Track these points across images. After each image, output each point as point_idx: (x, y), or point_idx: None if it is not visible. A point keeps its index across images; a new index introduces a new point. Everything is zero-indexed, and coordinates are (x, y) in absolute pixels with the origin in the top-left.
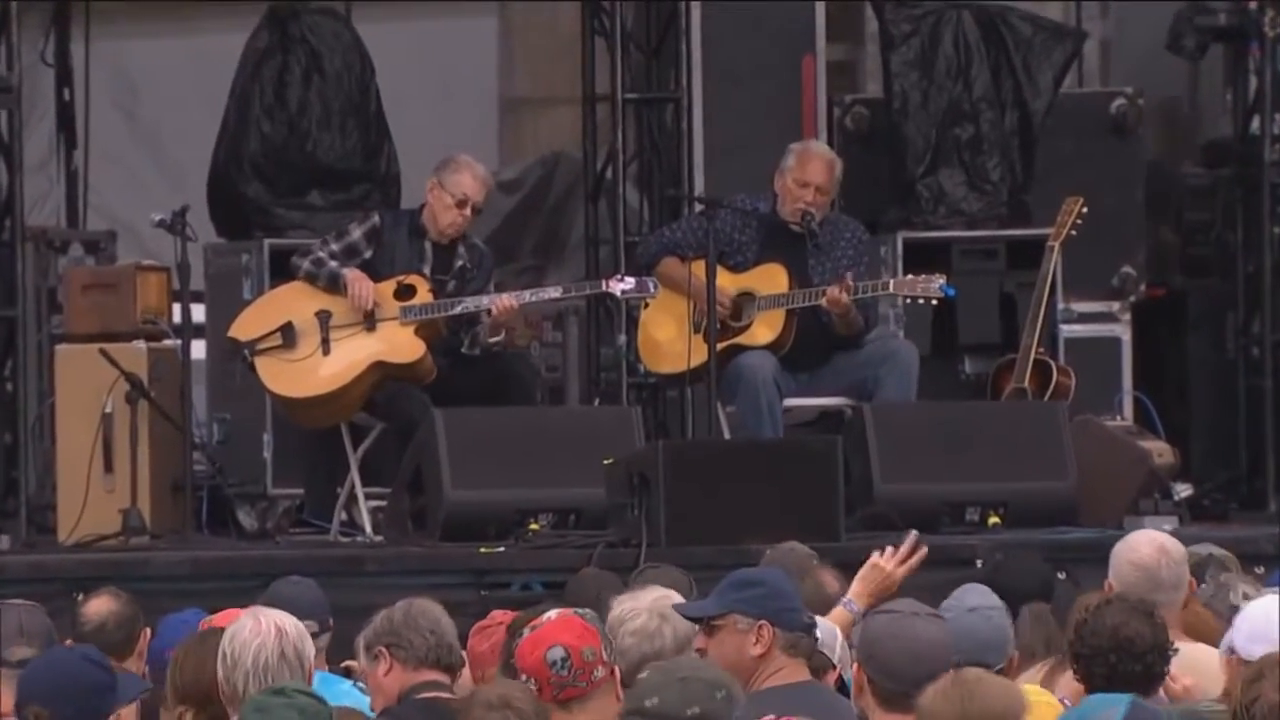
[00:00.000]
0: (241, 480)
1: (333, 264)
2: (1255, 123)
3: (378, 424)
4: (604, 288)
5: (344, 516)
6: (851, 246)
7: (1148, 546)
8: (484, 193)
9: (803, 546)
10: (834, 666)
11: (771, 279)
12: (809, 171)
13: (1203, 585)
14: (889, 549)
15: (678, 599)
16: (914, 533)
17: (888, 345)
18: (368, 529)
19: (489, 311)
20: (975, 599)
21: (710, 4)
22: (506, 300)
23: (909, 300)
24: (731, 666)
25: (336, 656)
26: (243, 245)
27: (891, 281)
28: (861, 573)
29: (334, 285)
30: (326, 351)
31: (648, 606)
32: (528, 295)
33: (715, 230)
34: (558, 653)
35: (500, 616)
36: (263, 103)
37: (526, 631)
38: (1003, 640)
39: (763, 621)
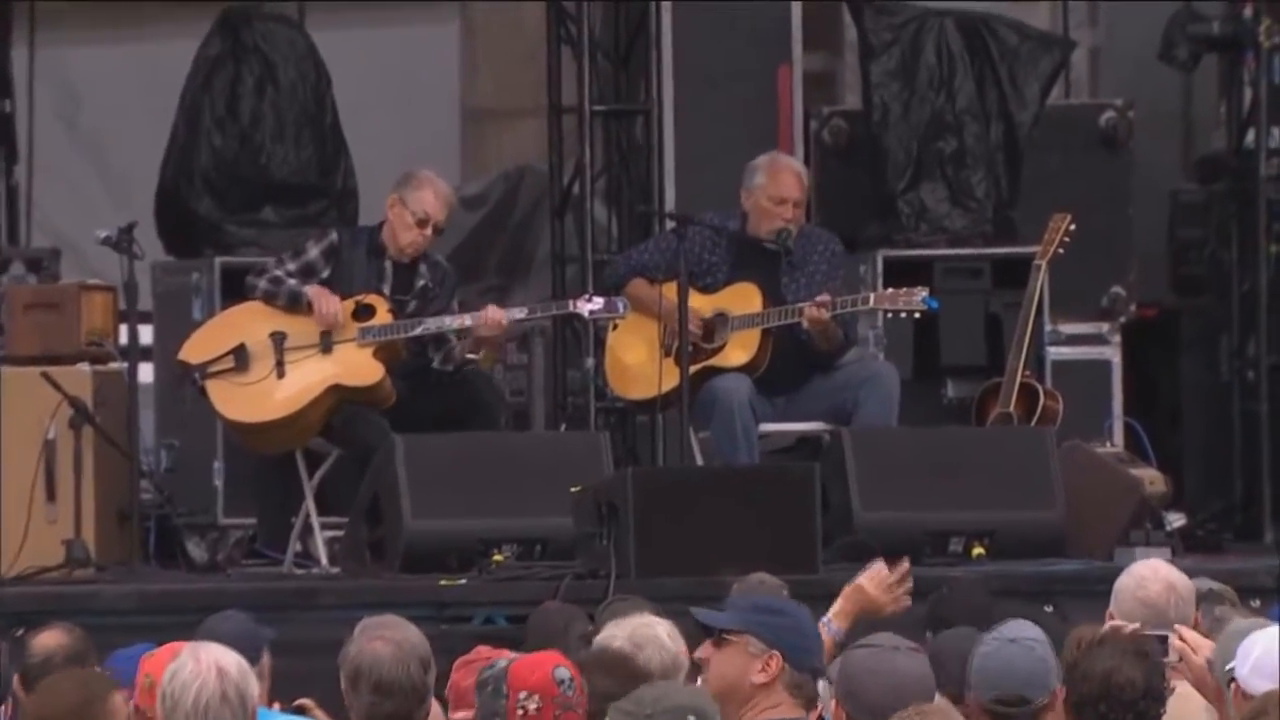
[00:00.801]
0: (191, 510)
1: (291, 282)
2: (1250, 135)
3: (334, 450)
4: (571, 308)
5: (299, 547)
6: (825, 260)
7: (1156, 584)
8: (446, 211)
9: (773, 578)
10: (817, 704)
11: (745, 299)
12: (783, 187)
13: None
14: (879, 567)
15: (662, 626)
16: (906, 561)
17: (868, 367)
18: (323, 560)
19: (457, 334)
20: (1017, 630)
21: (681, 12)
22: (494, 314)
23: (890, 315)
24: (729, 687)
25: (291, 693)
26: (193, 264)
27: (871, 296)
28: (845, 592)
29: (294, 304)
30: (281, 374)
31: (628, 634)
32: None
33: (685, 249)
34: (564, 672)
35: (485, 651)
36: (214, 114)
37: (505, 661)
38: (1044, 673)
39: (775, 651)
